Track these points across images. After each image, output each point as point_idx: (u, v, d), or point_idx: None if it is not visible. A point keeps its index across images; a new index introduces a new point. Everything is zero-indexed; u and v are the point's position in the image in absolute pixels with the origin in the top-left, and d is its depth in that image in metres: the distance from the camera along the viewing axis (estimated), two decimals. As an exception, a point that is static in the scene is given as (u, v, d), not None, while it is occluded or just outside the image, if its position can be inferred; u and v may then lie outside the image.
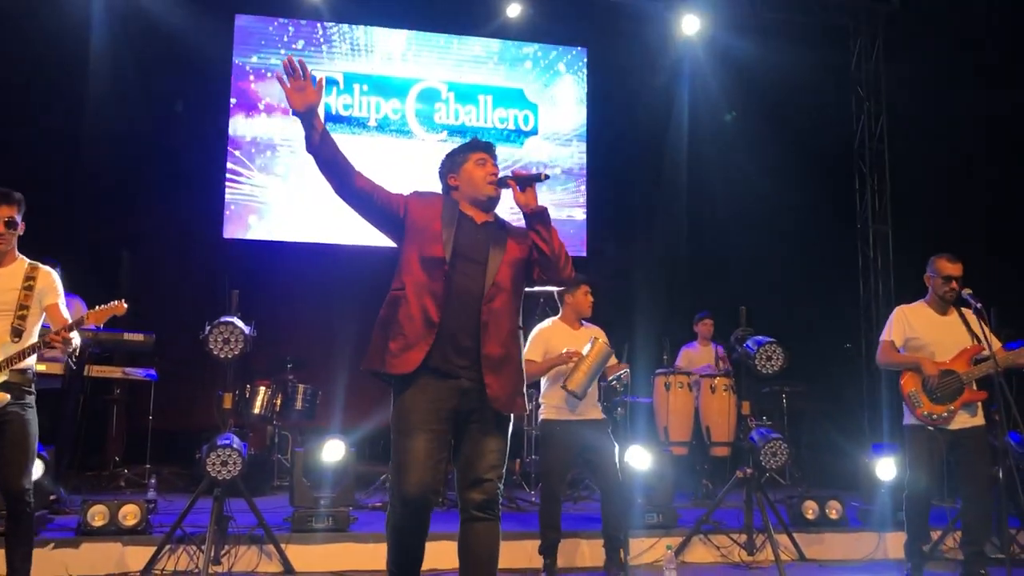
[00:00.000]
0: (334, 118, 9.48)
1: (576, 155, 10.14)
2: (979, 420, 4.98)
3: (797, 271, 9.36)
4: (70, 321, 4.10)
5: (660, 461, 6.04)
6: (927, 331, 5.03)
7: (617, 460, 5.04)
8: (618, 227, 10.06)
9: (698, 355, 8.15)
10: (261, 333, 5.49)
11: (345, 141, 9.42)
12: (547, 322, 5.33)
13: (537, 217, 3.40)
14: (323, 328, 8.56)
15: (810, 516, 6.01)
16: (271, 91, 9.33)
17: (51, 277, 4.19)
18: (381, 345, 3.30)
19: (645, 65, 10.19)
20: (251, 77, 9.36)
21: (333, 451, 5.68)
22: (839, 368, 9.92)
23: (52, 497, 5.71)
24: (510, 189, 3.43)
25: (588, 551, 5.47)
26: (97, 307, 4.14)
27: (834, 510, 6.05)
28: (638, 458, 5.86)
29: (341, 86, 9.55)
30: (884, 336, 5.15)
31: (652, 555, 5.53)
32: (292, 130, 9.30)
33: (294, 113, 3.20)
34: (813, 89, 9.75)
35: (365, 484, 6.86)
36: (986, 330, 4.94)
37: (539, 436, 5.35)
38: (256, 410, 7.33)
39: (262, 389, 7.39)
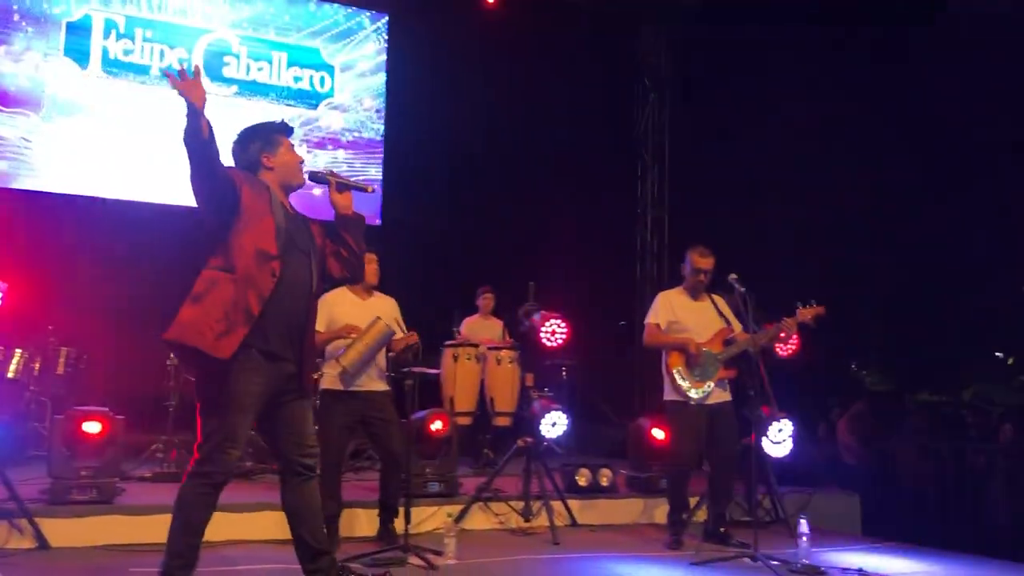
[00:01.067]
0: (112, 63, 8.78)
1: (373, 121, 10.00)
2: (728, 395, 5.45)
3: (580, 251, 9.76)
4: None
5: (445, 431, 6.10)
6: (687, 315, 5.45)
7: (399, 431, 5.07)
8: (414, 198, 10.02)
9: (478, 327, 8.31)
10: (18, 292, 5.03)
11: (124, 88, 8.77)
12: (334, 291, 5.23)
13: (354, 222, 3.61)
14: (89, 289, 7.96)
15: (583, 483, 6.30)
16: (31, 28, 8.50)
17: None
18: (200, 324, 3.27)
19: (446, 37, 10.19)
20: (15, 8, 8.49)
21: (97, 419, 5.30)
22: (615, 344, 10.47)
23: None
24: (324, 185, 3.60)
25: (366, 520, 5.46)
26: None
27: (605, 477, 6.38)
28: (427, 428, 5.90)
29: (122, 30, 8.86)
30: (650, 319, 5.54)
31: (433, 523, 5.61)
32: (54, 69, 8.55)
33: (193, 109, 3.11)
34: (602, 75, 10.15)
35: (134, 454, 6.48)
36: (728, 314, 5.42)
37: (318, 406, 5.25)
38: (10, 375, 6.76)
39: (18, 352, 6.81)
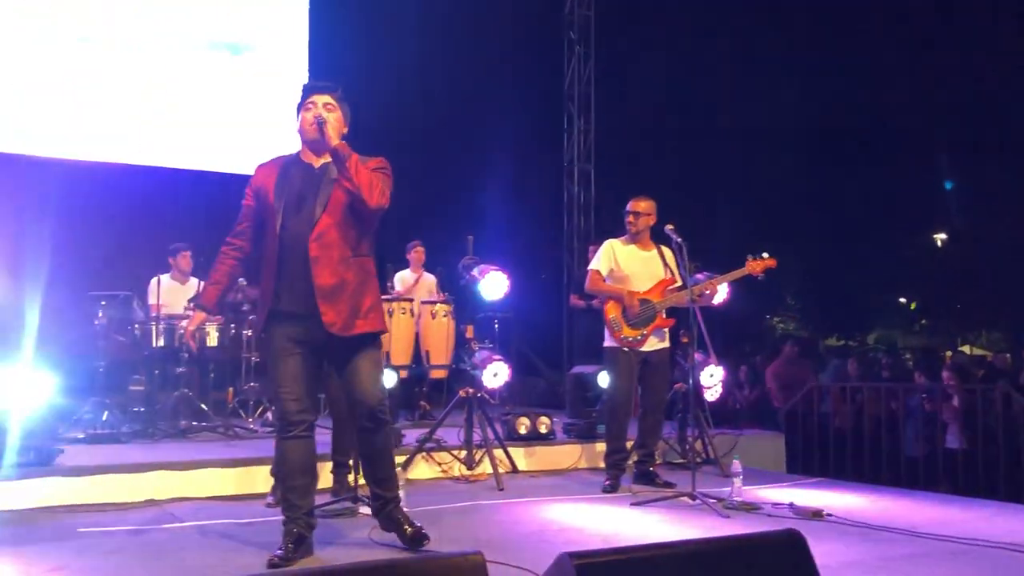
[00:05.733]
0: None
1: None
2: (666, 343, 5.63)
3: (511, 204, 9.84)
4: None
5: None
6: (630, 264, 5.58)
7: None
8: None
9: (411, 280, 8.33)
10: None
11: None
12: None
13: (333, 157, 3.67)
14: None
15: (523, 431, 6.45)
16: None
17: None
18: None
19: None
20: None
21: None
22: (542, 296, 10.63)
23: None
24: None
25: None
26: None
27: (544, 425, 6.54)
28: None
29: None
30: (592, 266, 5.67)
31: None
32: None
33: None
34: (528, 29, 10.15)
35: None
36: (673, 265, 5.58)
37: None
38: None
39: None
